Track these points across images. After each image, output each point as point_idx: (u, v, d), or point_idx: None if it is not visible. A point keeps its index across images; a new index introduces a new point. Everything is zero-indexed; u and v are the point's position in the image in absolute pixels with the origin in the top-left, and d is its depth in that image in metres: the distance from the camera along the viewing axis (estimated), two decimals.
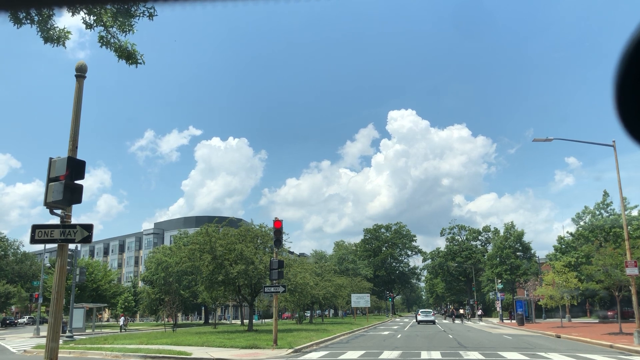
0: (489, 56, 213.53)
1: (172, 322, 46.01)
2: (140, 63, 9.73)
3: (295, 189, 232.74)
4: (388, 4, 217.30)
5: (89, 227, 9.92)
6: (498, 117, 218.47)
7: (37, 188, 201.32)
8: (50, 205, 9.72)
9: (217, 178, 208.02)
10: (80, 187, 9.89)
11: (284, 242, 39.22)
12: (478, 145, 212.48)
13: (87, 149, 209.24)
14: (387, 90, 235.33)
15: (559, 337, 34.41)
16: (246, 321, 50.78)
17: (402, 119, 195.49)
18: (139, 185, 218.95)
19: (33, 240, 9.88)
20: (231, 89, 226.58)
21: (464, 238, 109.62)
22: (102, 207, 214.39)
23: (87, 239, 9.84)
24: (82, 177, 9.90)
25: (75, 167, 9.81)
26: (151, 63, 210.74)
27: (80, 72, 10.79)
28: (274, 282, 24.22)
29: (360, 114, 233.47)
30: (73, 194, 9.70)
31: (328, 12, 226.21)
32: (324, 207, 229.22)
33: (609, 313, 59.28)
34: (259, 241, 38.14)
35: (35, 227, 9.90)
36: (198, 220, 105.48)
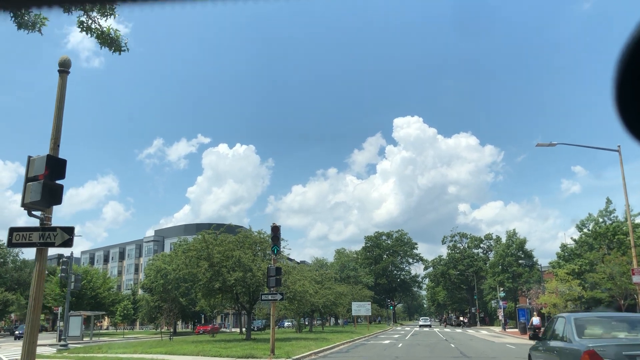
0: (496, 63, 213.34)
1: (170, 330, 45.27)
2: (124, 50, 9.18)
3: (302, 196, 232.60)
4: (394, 10, 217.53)
5: (69, 230, 9.34)
6: (506, 125, 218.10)
7: None
8: (28, 206, 9.15)
9: (224, 185, 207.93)
10: (60, 187, 9.31)
11: (282, 249, 38.70)
12: (486, 154, 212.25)
13: (95, 156, 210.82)
14: (393, 97, 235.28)
15: None
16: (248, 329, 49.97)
17: (408, 127, 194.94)
18: (145, 192, 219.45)
19: (10, 244, 9.30)
20: (240, 96, 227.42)
21: (466, 246, 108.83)
22: (108, 214, 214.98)
23: (67, 243, 9.26)
24: (62, 176, 9.33)
25: (56, 166, 9.24)
26: (163, 72, 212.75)
27: (64, 67, 10.26)
28: (272, 289, 23.60)
29: (368, 121, 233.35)
30: (52, 195, 9.12)
31: (335, 17, 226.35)
32: (330, 215, 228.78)
33: None
34: (257, 248, 37.52)
35: (12, 230, 9.34)
36: (199, 228, 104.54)
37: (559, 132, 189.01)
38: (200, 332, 66.04)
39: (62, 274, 33.26)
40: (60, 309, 58.03)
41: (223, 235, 36.54)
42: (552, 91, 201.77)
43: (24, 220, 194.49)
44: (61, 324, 56.54)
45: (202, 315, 77.40)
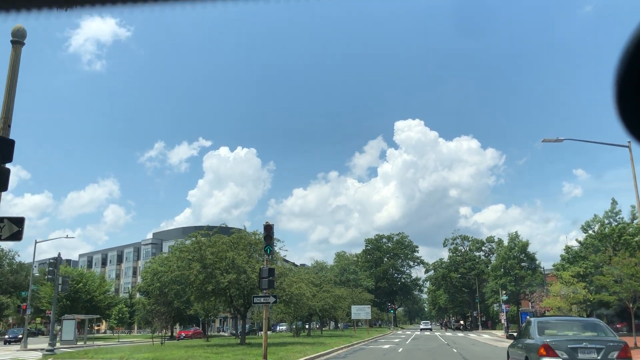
0: (498, 66, 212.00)
1: (162, 334, 43.93)
2: None
3: (303, 199, 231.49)
4: (395, 13, 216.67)
5: (19, 222, 8.15)
6: (507, 129, 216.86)
7: (45, 199, 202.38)
8: None
9: (225, 189, 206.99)
10: (7, 171, 8.11)
11: (278, 250, 37.48)
12: (487, 157, 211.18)
13: (96, 159, 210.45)
14: (394, 100, 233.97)
15: None
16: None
17: (409, 130, 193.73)
18: (146, 196, 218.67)
19: None
20: (241, 99, 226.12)
21: (467, 249, 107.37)
22: (109, 217, 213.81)
23: (16, 236, 8.07)
24: (9, 159, 8.12)
25: (2, 148, 8.05)
26: (164, 75, 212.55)
27: (17, 38, 9.07)
28: (264, 291, 22.38)
29: (369, 124, 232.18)
30: None
31: (336, 20, 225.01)
32: (331, 218, 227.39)
33: (617, 326, 57.17)
34: (252, 249, 36.19)
35: None
36: (197, 230, 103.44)
37: (561, 135, 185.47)
38: (182, 337, 61.36)
39: (49, 276, 32.00)
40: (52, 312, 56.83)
41: (217, 236, 35.26)
42: (554, 94, 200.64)
43: (25, 224, 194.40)
44: (57, 327, 55.48)
45: (200, 320, 75.98)
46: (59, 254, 33.45)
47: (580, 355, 12.37)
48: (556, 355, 12.42)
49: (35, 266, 66.96)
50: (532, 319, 15.52)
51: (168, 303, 44.71)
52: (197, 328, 70.85)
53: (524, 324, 16.69)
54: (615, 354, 12.33)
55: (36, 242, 42.99)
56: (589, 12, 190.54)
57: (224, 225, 35.87)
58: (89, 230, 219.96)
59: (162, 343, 37.87)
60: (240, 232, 36.93)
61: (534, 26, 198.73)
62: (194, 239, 35.26)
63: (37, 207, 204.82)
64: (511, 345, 16.98)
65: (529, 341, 14.12)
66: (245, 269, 32.69)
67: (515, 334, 17.92)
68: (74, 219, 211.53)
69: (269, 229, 22.47)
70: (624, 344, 12.69)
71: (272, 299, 22.29)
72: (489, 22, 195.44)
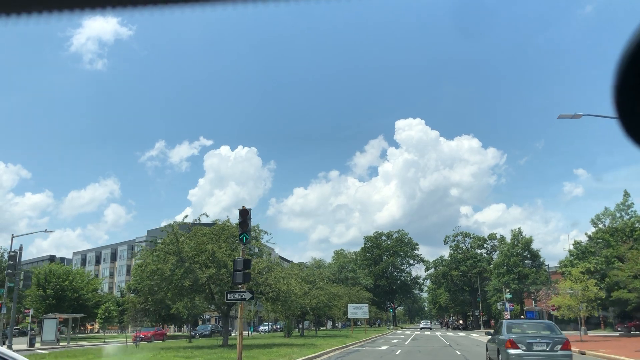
0: (498, 66, 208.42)
1: (137, 334, 40.90)
2: None
3: (303, 199, 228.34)
4: (395, 12, 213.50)
5: None
6: (508, 128, 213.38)
7: (46, 199, 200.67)
8: None
9: (226, 188, 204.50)
10: None
11: (266, 243, 34.49)
12: (488, 156, 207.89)
13: (97, 158, 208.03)
14: (395, 99, 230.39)
15: (583, 353, 29.39)
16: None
17: (410, 129, 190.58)
18: (147, 195, 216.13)
19: None
20: (242, 98, 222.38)
21: (469, 246, 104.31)
22: (109, 217, 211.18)
23: None
24: None
25: None
26: (165, 74, 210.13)
27: None
28: (240, 286, 19.41)
29: (370, 124, 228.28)
30: None
31: (336, 19, 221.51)
32: (331, 217, 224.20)
33: (627, 325, 54.32)
34: (236, 241, 33.09)
35: None
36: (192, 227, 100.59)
37: (561, 135, 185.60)
38: (139, 338, 51.49)
39: (9, 271, 29.00)
40: (31, 311, 53.90)
41: (196, 228, 32.24)
42: (554, 94, 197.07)
43: (25, 222, 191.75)
44: (46, 327, 52.67)
45: (183, 318, 72.81)
46: (21, 247, 30.57)
47: (535, 347, 16.76)
48: (517, 347, 16.82)
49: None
50: (503, 321, 20.37)
51: (145, 301, 41.61)
52: (159, 328, 64.97)
53: (497, 325, 21.38)
54: (559, 347, 16.73)
55: (13, 237, 40.12)
56: (590, 12, 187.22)
57: (204, 215, 32.68)
58: (89, 230, 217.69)
59: (136, 344, 34.86)
60: (223, 224, 33.79)
61: (534, 26, 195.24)
62: (170, 229, 32.03)
63: (38, 206, 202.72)
64: (488, 341, 21.44)
65: (500, 337, 18.42)
66: (226, 263, 29.58)
67: (492, 332, 21.79)
68: (74, 218, 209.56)
69: (244, 213, 19.44)
70: (566, 340, 17.10)
71: (248, 295, 19.26)
72: (490, 22, 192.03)
